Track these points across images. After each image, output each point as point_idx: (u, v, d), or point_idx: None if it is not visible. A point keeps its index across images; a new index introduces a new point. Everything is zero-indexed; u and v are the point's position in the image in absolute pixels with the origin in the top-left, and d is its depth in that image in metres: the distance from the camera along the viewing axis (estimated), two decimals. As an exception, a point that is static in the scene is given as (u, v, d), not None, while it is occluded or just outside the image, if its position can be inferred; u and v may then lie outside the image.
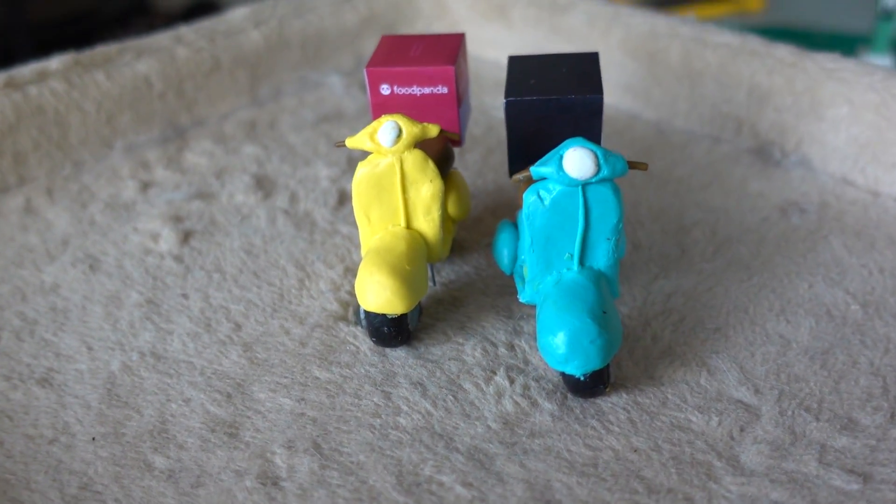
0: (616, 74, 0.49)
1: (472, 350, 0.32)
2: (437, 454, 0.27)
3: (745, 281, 0.35)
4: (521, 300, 0.31)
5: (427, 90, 0.35)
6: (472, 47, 0.58)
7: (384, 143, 0.31)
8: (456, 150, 0.45)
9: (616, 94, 0.50)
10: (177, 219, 0.41)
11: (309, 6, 0.55)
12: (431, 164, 0.31)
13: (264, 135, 0.49)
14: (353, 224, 0.40)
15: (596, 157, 0.28)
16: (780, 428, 0.28)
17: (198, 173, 0.45)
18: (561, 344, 0.27)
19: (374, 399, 0.30)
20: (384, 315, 0.30)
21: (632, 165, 0.28)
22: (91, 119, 0.46)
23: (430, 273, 0.35)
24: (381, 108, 0.36)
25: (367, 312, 0.31)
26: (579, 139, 0.28)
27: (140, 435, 0.29)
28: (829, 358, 0.30)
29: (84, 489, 0.27)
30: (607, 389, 0.29)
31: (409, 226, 0.32)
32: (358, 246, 0.38)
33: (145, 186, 0.44)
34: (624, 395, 0.29)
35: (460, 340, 0.32)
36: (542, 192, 0.29)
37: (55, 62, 0.46)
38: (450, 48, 0.36)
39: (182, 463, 0.27)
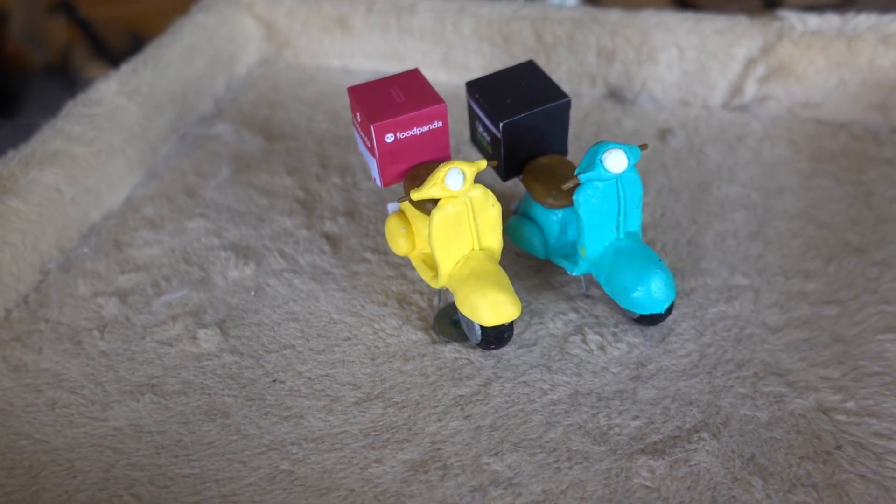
0: (476, 60, 0.57)
1: (552, 324, 0.39)
2: (596, 408, 0.35)
3: (681, 200, 0.47)
4: (575, 273, 0.39)
5: (426, 128, 0.40)
6: (319, 60, 0.62)
7: (454, 188, 0.36)
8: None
9: (475, 76, 0.58)
10: (194, 314, 0.41)
11: (164, 63, 0.53)
12: (490, 192, 0.37)
13: (193, 206, 0.49)
14: (365, 260, 0.44)
15: (625, 153, 0.36)
16: (775, 293, 0.40)
17: (163, 265, 0.45)
18: (649, 293, 0.36)
19: (520, 391, 0.36)
20: (503, 324, 0.37)
21: (642, 148, 0.38)
22: (20, 251, 0.42)
23: None
24: (389, 154, 0.40)
25: (485, 327, 0.37)
26: (607, 143, 0.36)
27: (369, 504, 0.32)
28: (764, 235, 0.44)
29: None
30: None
31: (479, 247, 0.38)
32: (389, 277, 0.43)
33: (122, 298, 0.43)
34: (674, 312, 0.40)
35: (537, 321, 0.40)
36: (590, 191, 0.37)
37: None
38: (423, 84, 0.41)
39: (426, 506, 0.32)
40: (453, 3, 0.57)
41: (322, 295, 0.42)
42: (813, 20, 0.51)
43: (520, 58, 0.56)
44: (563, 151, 0.42)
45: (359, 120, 0.40)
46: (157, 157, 0.52)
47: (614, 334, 0.39)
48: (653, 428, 0.34)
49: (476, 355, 0.38)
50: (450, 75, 0.58)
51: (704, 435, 0.34)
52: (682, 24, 0.52)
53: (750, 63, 0.52)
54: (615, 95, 0.55)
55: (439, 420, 0.35)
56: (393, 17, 0.58)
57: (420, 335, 0.39)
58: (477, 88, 0.41)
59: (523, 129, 0.40)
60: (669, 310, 0.38)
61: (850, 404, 0.35)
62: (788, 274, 0.41)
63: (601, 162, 0.36)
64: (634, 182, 0.37)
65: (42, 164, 0.44)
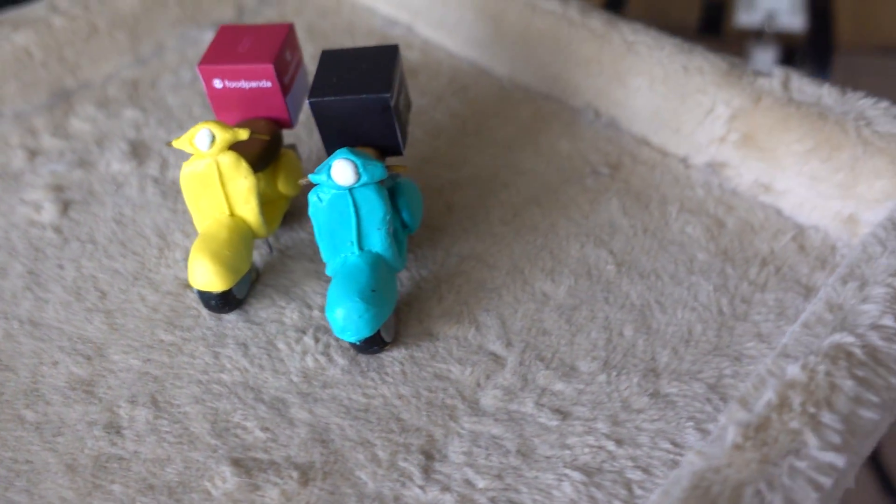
0: (468, 31, 0.53)
1: (290, 313, 0.39)
2: (246, 404, 0.35)
3: (530, 243, 0.41)
4: (327, 272, 0.38)
5: (254, 84, 0.40)
6: (349, -6, 0.62)
7: (201, 147, 0.36)
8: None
9: (468, 49, 0.54)
10: (59, 189, 0.47)
11: (184, -37, 0.58)
12: (244, 163, 0.37)
13: (145, 96, 0.54)
14: (213, 192, 0.46)
15: (356, 167, 0.33)
16: (516, 376, 0.35)
17: (81, 140, 0.50)
18: (339, 318, 0.34)
19: (205, 358, 0.37)
20: (209, 291, 0.37)
21: (392, 169, 0.34)
22: (-22, 92, 0.51)
23: (268, 245, 0.42)
24: (218, 99, 0.41)
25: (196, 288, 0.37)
26: (345, 151, 0.34)
27: (15, 394, 0.36)
28: (576, 313, 0.38)
29: (-30, 440, 0.34)
30: (386, 347, 0.36)
31: (232, 213, 0.38)
32: (213, 215, 0.44)
33: (32, 155, 0.50)
34: (403, 350, 0.37)
35: (282, 304, 0.39)
36: (320, 195, 0.35)
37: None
38: (273, 42, 0.40)
39: (47, 416, 0.35)
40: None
41: (154, 209, 0.45)
42: (807, 89, 0.39)
43: (505, 40, 0.51)
44: (395, 149, 0.39)
45: (208, 58, 0.41)
46: (151, 48, 0.58)
47: (327, 346, 0.37)
48: (268, 445, 0.33)
49: (207, 313, 0.39)
50: (441, 36, 0.55)
51: (295, 475, 0.32)
52: (654, 52, 0.44)
53: (713, 118, 0.42)
54: (582, 112, 0.49)
55: (126, 353, 0.37)
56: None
57: (186, 275, 0.41)
58: (325, 59, 0.40)
59: (335, 112, 0.38)
60: (374, 343, 0.35)
61: (461, 521, 0.30)
62: (551, 364, 0.35)
63: (329, 168, 0.34)
64: (371, 200, 0.34)
65: (17, 27, 0.52)
